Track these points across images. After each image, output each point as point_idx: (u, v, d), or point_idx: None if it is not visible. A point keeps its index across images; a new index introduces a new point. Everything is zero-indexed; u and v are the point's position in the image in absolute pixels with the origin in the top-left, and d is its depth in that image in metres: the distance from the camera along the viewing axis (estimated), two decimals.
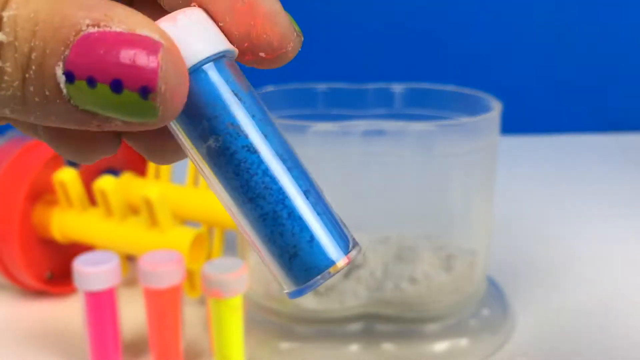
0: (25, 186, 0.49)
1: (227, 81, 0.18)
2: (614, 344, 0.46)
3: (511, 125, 0.62)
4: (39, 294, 0.51)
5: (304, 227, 0.18)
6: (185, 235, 0.46)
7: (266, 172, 0.18)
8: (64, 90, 0.16)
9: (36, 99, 0.16)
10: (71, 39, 0.16)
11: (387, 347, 0.43)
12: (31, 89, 0.16)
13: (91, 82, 0.16)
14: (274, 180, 0.18)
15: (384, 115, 0.50)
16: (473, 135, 0.43)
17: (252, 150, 0.18)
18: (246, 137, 0.18)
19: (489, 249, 0.48)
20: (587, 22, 0.90)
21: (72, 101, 0.16)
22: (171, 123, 0.18)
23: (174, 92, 0.16)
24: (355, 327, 0.44)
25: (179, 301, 0.41)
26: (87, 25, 0.16)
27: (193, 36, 0.18)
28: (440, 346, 0.44)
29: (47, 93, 0.16)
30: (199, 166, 0.19)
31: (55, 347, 0.46)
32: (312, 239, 0.18)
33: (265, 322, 0.45)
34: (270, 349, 0.44)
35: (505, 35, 0.90)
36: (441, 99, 0.49)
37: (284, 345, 0.44)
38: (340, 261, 0.18)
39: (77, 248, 0.51)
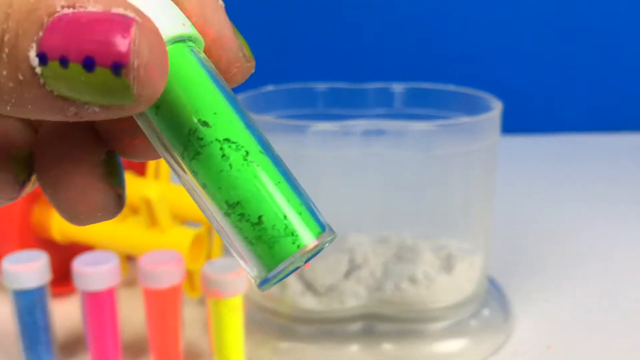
0: None
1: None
2: (614, 344, 0.46)
3: (511, 125, 0.62)
4: None
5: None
6: (185, 235, 0.46)
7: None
8: (39, 73, 0.15)
9: (10, 85, 0.16)
10: (45, 20, 0.15)
11: (387, 347, 0.43)
12: (4, 72, 0.16)
13: (63, 61, 0.15)
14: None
15: (384, 115, 0.50)
16: (473, 135, 0.43)
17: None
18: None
19: (489, 249, 0.48)
20: (588, 22, 0.90)
21: (47, 86, 0.16)
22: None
23: (149, 68, 0.16)
24: (355, 327, 0.44)
25: (179, 301, 0.41)
26: (62, 7, 0.16)
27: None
28: (441, 346, 0.44)
29: (20, 77, 0.16)
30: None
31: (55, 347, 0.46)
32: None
33: (265, 322, 0.45)
34: (270, 349, 0.44)
35: (506, 35, 0.90)
36: (441, 99, 0.49)
37: (284, 345, 0.44)
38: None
39: (76, 248, 0.51)
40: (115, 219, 0.48)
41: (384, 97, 0.50)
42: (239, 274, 0.39)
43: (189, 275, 0.48)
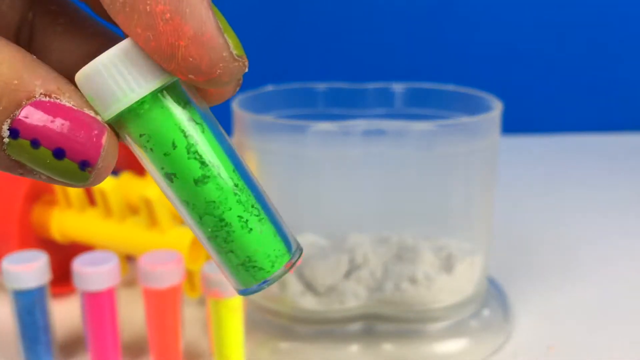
0: (25, 186, 0.49)
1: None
2: (614, 344, 0.46)
3: (511, 125, 0.62)
4: None
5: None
6: (184, 235, 0.46)
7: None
8: (5, 142, 0.17)
9: None
10: (24, 102, 0.17)
11: (387, 347, 0.43)
12: None
13: (35, 144, 0.17)
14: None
15: (384, 115, 0.50)
16: (473, 135, 0.43)
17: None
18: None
19: (489, 249, 0.48)
20: (588, 22, 0.90)
21: (6, 151, 0.18)
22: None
23: (107, 168, 0.18)
24: (355, 327, 0.44)
25: (178, 301, 0.41)
26: (40, 94, 0.17)
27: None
28: (441, 346, 0.44)
29: None
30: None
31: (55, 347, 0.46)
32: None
33: (265, 322, 0.45)
34: (270, 349, 0.44)
35: (506, 35, 0.90)
36: (441, 99, 0.49)
37: (284, 345, 0.44)
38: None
39: (76, 248, 0.51)
40: (116, 219, 0.48)
41: (384, 97, 0.50)
42: None
43: (189, 275, 0.48)
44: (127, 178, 0.53)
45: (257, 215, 0.20)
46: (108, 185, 0.47)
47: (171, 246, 0.45)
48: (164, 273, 0.39)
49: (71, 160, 0.18)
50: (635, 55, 0.92)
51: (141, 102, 0.18)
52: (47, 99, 0.18)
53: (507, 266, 0.55)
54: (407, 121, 0.44)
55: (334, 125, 0.42)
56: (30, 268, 0.40)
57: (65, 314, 0.48)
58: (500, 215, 0.54)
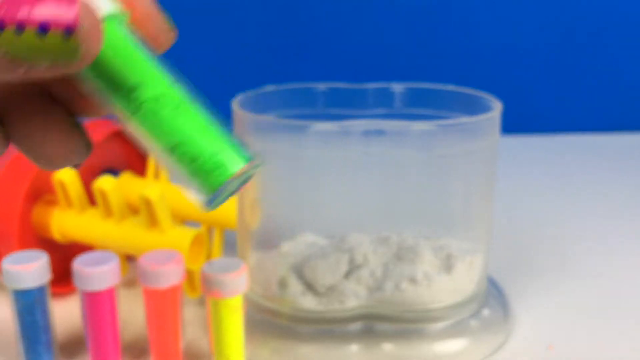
0: (25, 186, 0.49)
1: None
2: (614, 344, 0.46)
3: (511, 125, 0.62)
4: None
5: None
6: (184, 235, 0.46)
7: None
8: None
9: None
10: None
11: (387, 347, 0.43)
12: None
13: (19, 28, 0.19)
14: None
15: (384, 115, 0.50)
16: (473, 135, 0.43)
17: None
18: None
19: (489, 249, 0.48)
20: (588, 22, 0.90)
21: (1, 49, 0.19)
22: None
23: (90, 32, 0.19)
24: (355, 327, 0.44)
25: (178, 301, 0.41)
26: None
27: None
28: (441, 346, 0.44)
29: None
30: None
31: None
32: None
33: (265, 322, 0.45)
34: (270, 349, 0.44)
35: (506, 35, 0.90)
36: (441, 99, 0.49)
37: (284, 345, 0.44)
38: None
39: (76, 248, 0.51)
40: (115, 219, 0.48)
41: (384, 97, 0.50)
42: (239, 274, 0.39)
43: (189, 275, 0.48)
44: (127, 178, 0.53)
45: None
46: (108, 185, 0.47)
47: (171, 246, 0.45)
48: (164, 273, 0.39)
49: (55, 31, 0.19)
50: (635, 56, 0.92)
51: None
52: None
53: (507, 266, 0.55)
54: (407, 121, 0.44)
55: (334, 125, 0.42)
56: (30, 268, 0.40)
57: (65, 314, 0.49)
58: (500, 215, 0.54)
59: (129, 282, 0.52)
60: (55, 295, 0.51)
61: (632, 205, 0.69)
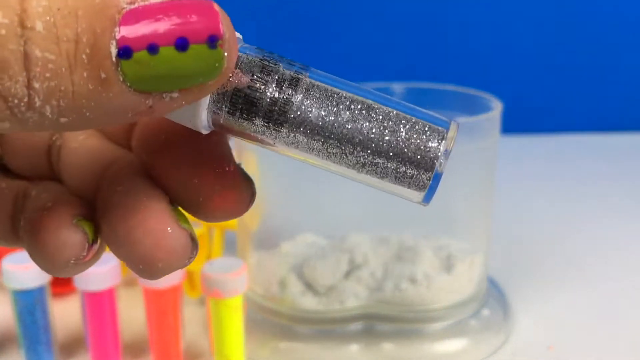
0: None
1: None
2: (614, 344, 0.46)
3: (511, 125, 0.62)
4: None
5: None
6: None
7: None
8: (119, 70, 0.15)
9: (89, 87, 0.15)
10: (117, 17, 0.16)
11: (387, 347, 0.43)
12: (84, 74, 0.15)
13: (152, 48, 0.16)
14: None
15: None
16: (473, 135, 0.43)
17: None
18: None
19: (489, 249, 0.48)
20: (587, 22, 0.90)
21: (127, 81, 0.16)
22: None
23: (233, 37, 0.17)
24: (355, 327, 0.44)
25: (178, 301, 0.41)
26: (127, 3, 0.16)
27: None
28: (441, 346, 0.44)
29: (103, 75, 0.15)
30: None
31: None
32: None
33: (265, 322, 0.45)
34: (270, 349, 0.44)
35: (505, 35, 0.90)
36: (441, 99, 0.49)
37: (284, 345, 0.44)
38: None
39: None
40: None
41: None
42: (239, 274, 0.39)
43: (189, 275, 0.48)
44: None
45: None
46: None
47: None
48: None
49: (197, 43, 0.16)
50: (635, 55, 0.92)
51: None
52: (135, 5, 0.16)
53: (507, 266, 0.55)
54: None
55: None
56: (31, 268, 0.40)
57: (65, 314, 0.49)
58: (500, 215, 0.54)
59: (129, 282, 0.52)
60: (55, 295, 0.51)
61: (632, 205, 0.69)
